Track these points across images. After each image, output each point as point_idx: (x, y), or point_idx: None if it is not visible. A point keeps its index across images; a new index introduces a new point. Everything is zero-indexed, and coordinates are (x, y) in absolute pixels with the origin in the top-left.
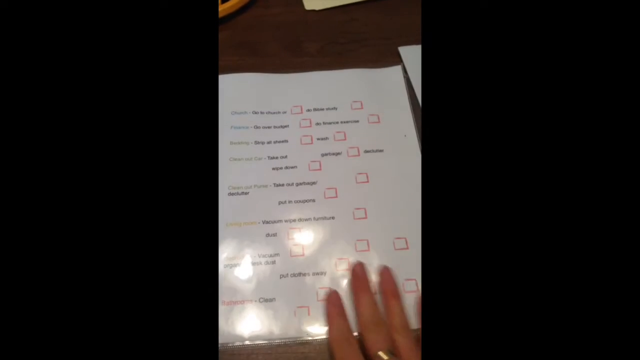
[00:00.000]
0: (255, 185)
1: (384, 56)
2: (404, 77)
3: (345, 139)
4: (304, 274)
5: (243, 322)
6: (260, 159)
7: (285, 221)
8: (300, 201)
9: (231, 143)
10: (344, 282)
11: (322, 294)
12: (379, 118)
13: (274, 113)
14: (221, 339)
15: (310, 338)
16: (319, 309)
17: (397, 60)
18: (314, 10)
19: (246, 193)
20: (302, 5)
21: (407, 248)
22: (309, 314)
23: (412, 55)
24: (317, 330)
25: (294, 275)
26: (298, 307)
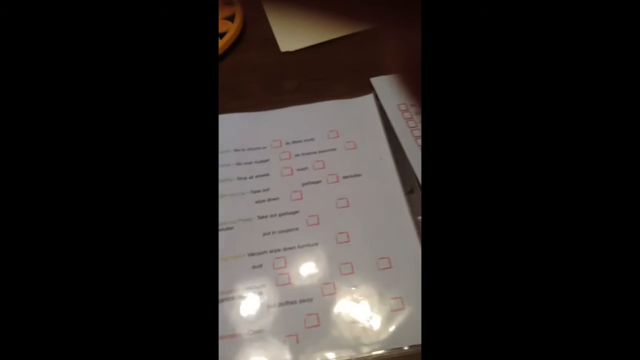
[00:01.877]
0: (239, 220)
1: (357, 87)
2: (376, 104)
3: (324, 167)
4: (291, 302)
5: (233, 357)
6: (243, 194)
7: (270, 252)
8: (283, 231)
9: None
10: (332, 307)
11: (310, 320)
12: (355, 145)
13: (254, 149)
14: None
15: None
16: (307, 336)
17: (369, 90)
18: (289, 52)
19: (231, 228)
20: (278, 48)
21: (391, 267)
22: (297, 341)
23: (382, 84)
24: (306, 358)
25: (281, 304)
26: (286, 335)
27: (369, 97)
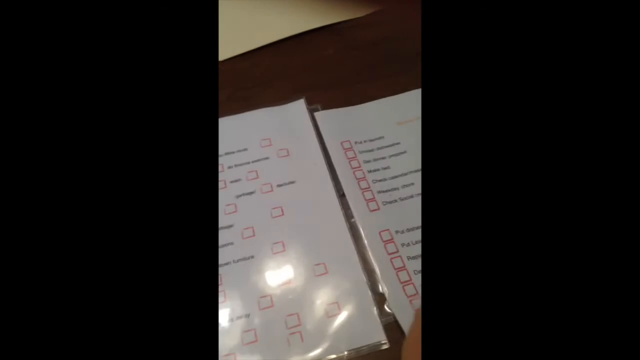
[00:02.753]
0: None
1: (288, 94)
2: (308, 108)
3: (257, 177)
4: (229, 320)
5: None
6: None
7: None
8: (219, 247)
9: None
10: (269, 320)
11: (247, 337)
12: (288, 152)
13: None
14: None
15: None
16: (245, 353)
17: (299, 95)
18: (219, 62)
19: None
20: None
21: (327, 272)
22: None
23: (325, 119)
24: None
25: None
26: (224, 356)
27: (300, 103)
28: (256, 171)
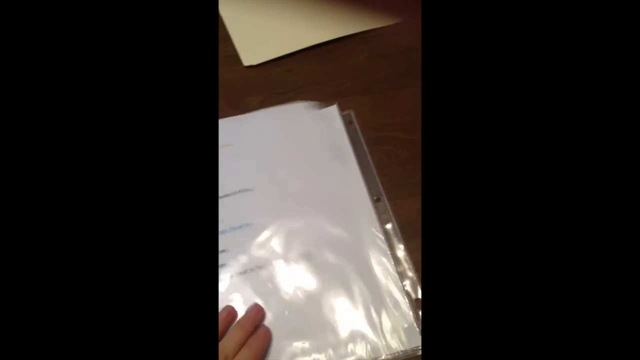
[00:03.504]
0: None
1: (321, 99)
2: (340, 114)
3: None
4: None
5: None
6: None
7: None
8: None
9: None
10: None
11: None
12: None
13: None
14: None
15: None
16: None
17: (332, 101)
18: (252, 66)
19: None
20: (241, 62)
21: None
22: None
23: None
24: None
25: None
26: None
27: (333, 108)
28: None
